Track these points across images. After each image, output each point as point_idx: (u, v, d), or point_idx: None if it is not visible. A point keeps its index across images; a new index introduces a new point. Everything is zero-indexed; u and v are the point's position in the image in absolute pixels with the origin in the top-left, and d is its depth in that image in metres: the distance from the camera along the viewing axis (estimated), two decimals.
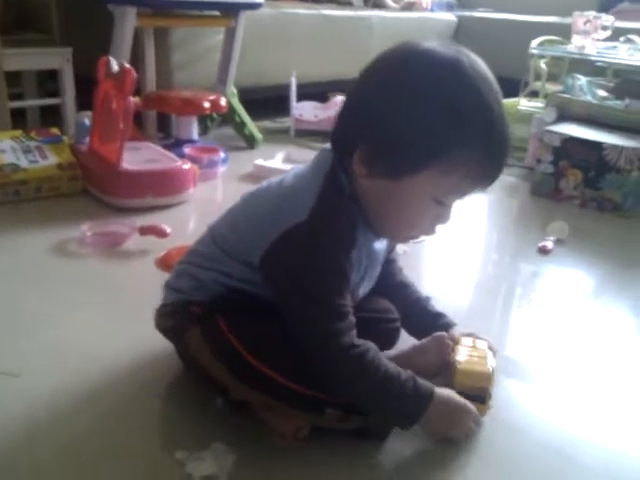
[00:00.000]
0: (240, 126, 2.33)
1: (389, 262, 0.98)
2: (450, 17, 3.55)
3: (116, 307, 1.15)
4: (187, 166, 1.70)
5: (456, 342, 0.91)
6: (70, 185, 1.70)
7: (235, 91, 2.29)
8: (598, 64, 2.41)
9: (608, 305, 1.31)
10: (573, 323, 1.22)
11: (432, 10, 3.63)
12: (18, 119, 2.16)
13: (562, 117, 2.02)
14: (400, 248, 1.48)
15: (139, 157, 1.71)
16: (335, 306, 0.75)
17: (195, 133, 2.13)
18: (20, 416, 0.84)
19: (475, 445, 0.83)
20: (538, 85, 2.57)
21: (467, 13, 3.65)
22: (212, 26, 2.26)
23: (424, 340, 0.94)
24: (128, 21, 1.85)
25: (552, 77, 2.59)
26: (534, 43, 2.44)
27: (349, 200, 0.77)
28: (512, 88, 2.64)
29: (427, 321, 0.97)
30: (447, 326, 0.96)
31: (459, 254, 1.54)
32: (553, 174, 1.91)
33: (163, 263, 1.28)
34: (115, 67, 1.61)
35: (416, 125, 0.70)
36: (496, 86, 0.72)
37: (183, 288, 0.86)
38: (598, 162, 1.81)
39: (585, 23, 2.14)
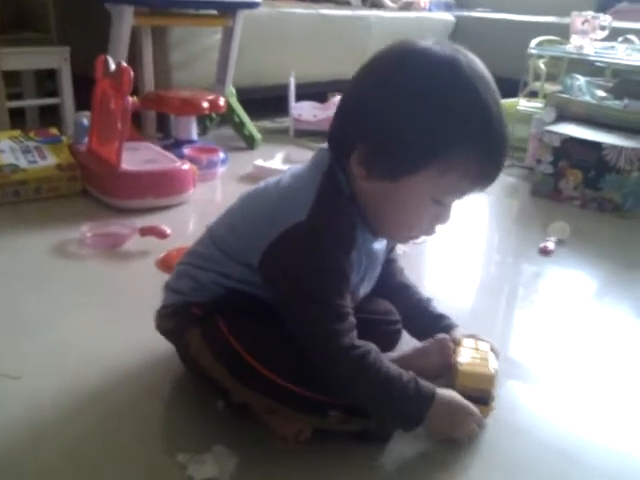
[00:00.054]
0: (239, 126, 2.32)
1: (389, 262, 0.98)
2: (448, 17, 3.55)
3: (116, 308, 1.15)
4: (186, 167, 1.70)
5: (458, 344, 0.91)
6: (69, 186, 1.69)
7: (234, 91, 2.29)
8: (597, 64, 2.41)
9: (610, 306, 1.31)
10: (576, 324, 1.22)
11: (430, 10, 3.63)
12: (17, 119, 2.16)
13: (561, 117, 2.02)
14: (400, 249, 1.48)
15: (138, 157, 1.71)
16: (335, 307, 0.74)
17: (194, 133, 2.12)
18: (20, 418, 0.83)
19: (478, 446, 0.83)
20: (537, 85, 2.57)
21: (465, 13, 3.66)
22: (210, 25, 2.25)
23: (426, 342, 0.94)
24: (125, 20, 1.85)
25: (551, 77, 2.60)
26: (533, 43, 2.44)
27: (348, 200, 0.77)
28: (511, 88, 2.64)
29: (429, 323, 0.97)
30: (449, 328, 0.95)
31: (460, 255, 1.54)
32: (553, 174, 1.91)
33: (163, 264, 1.28)
34: (112, 66, 1.60)
35: (414, 124, 0.69)
36: (493, 85, 0.72)
37: (183, 289, 0.85)
38: (598, 162, 1.81)
39: (583, 23, 2.14)
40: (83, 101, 1.85)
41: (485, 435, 0.85)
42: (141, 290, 1.20)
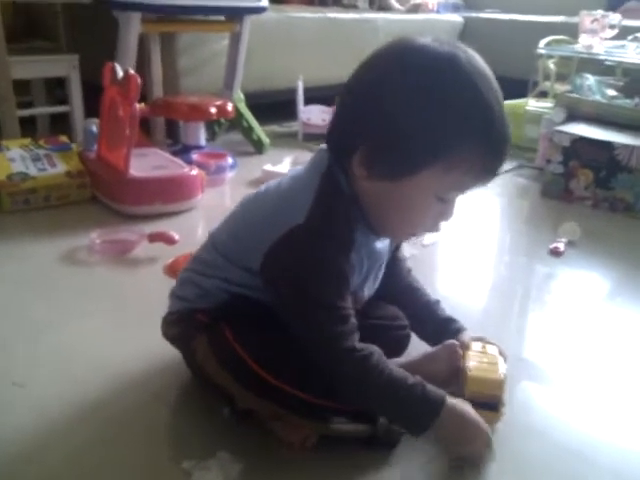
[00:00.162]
0: (248, 131, 2.33)
1: (396, 262, 0.97)
2: (456, 18, 3.54)
3: (124, 315, 1.15)
4: (195, 172, 1.70)
5: (466, 347, 0.90)
6: (79, 193, 1.70)
7: (242, 96, 2.29)
8: (607, 63, 2.39)
9: (623, 307, 1.30)
10: (588, 325, 1.21)
11: (438, 12, 3.62)
12: (28, 127, 2.18)
13: (571, 117, 2.00)
14: (408, 252, 1.48)
15: (147, 164, 1.71)
16: (335, 309, 0.74)
17: (203, 139, 2.13)
18: (27, 424, 0.84)
19: (493, 448, 0.82)
20: (547, 85, 2.56)
21: (473, 14, 3.64)
22: (217, 31, 2.26)
23: (435, 348, 0.93)
24: (133, 27, 1.86)
25: (561, 77, 2.58)
26: (542, 43, 2.42)
27: (348, 201, 0.76)
28: (520, 89, 2.62)
29: (437, 326, 0.96)
30: (457, 331, 0.94)
31: (470, 256, 1.53)
32: (563, 174, 1.89)
33: (171, 270, 1.27)
34: (120, 74, 1.61)
35: (416, 122, 0.69)
36: (494, 80, 0.71)
37: (188, 296, 0.85)
38: (609, 162, 1.79)
39: (592, 22, 2.13)
40: (93, 108, 1.86)
41: (499, 436, 0.84)
42: (149, 296, 1.20)
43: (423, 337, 0.98)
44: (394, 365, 0.77)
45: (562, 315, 1.24)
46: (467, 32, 3.51)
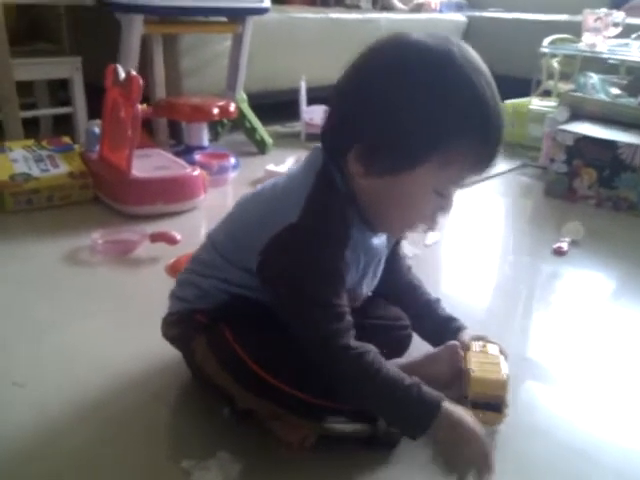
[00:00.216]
0: (251, 131, 2.33)
1: (396, 259, 0.97)
2: (460, 18, 3.53)
3: (126, 315, 1.15)
4: (197, 173, 1.70)
5: (467, 347, 0.89)
6: (81, 193, 1.71)
7: (245, 96, 2.29)
8: (611, 62, 2.38)
9: (626, 307, 1.29)
10: (592, 325, 1.20)
11: (441, 11, 3.61)
12: (32, 128, 2.19)
13: (575, 116, 1.99)
14: (411, 251, 1.47)
15: (149, 164, 1.72)
16: (331, 307, 0.73)
17: (205, 139, 2.13)
18: (27, 423, 0.84)
19: (497, 447, 0.82)
20: (551, 84, 2.55)
21: (477, 13, 3.63)
22: (219, 32, 2.26)
23: (436, 349, 0.92)
24: (135, 28, 1.86)
25: (565, 76, 2.57)
26: (545, 42, 2.41)
27: (344, 199, 0.76)
28: (524, 87, 2.62)
29: (437, 325, 0.96)
30: (458, 330, 0.94)
31: (473, 255, 1.53)
32: (567, 173, 1.88)
33: (173, 270, 1.28)
34: (122, 75, 1.62)
35: (413, 118, 0.68)
36: (487, 73, 0.71)
37: (188, 297, 0.85)
38: (613, 161, 1.78)
39: (595, 20, 2.12)
40: (96, 110, 1.87)
41: (503, 436, 0.84)
42: (151, 296, 1.19)
43: (423, 336, 0.98)
44: (393, 366, 0.76)
45: (565, 315, 1.24)
46: (471, 31, 3.50)
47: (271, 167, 1.99)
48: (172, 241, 1.40)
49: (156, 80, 2.17)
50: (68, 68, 2.12)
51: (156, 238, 1.41)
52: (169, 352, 0.91)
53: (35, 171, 1.67)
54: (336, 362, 0.74)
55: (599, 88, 2.14)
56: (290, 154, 2.16)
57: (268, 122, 2.48)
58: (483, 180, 2.09)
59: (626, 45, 2.27)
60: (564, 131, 1.88)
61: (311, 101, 2.48)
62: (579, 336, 1.16)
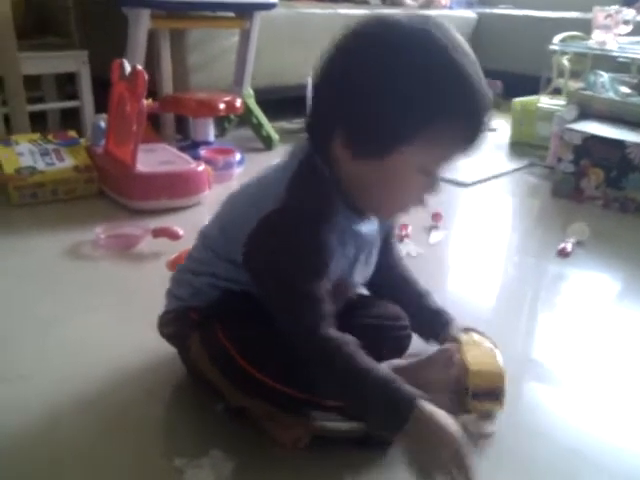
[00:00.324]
0: (257, 127, 2.32)
1: (389, 251, 0.96)
2: (470, 14, 3.50)
3: (129, 309, 1.15)
4: (201, 168, 1.70)
5: (459, 340, 0.90)
6: (86, 187, 1.71)
7: (252, 92, 2.29)
8: (621, 60, 2.35)
9: (630, 309, 1.28)
10: (595, 327, 1.19)
11: (451, 7, 3.59)
12: (39, 122, 2.19)
13: (584, 115, 1.97)
14: (414, 250, 1.47)
15: (154, 159, 1.72)
16: (308, 293, 0.73)
17: (211, 135, 2.13)
18: (21, 419, 0.84)
19: (498, 448, 0.82)
20: (561, 82, 2.53)
21: (487, 10, 3.60)
22: (227, 27, 2.25)
23: (431, 353, 0.91)
24: (142, 23, 1.86)
25: (576, 74, 2.54)
26: (556, 39, 2.39)
27: (327, 185, 0.76)
28: (533, 85, 2.60)
29: (428, 317, 0.95)
30: (447, 323, 0.93)
31: (478, 255, 1.51)
32: (574, 173, 1.86)
33: (174, 265, 1.27)
34: (128, 69, 1.62)
35: (397, 98, 0.68)
36: (470, 51, 0.71)
37: (182, 295, 0.86)
38: (621, 161, 1.76)
39: (606, 18, 2.09)
40: (103, 104, 1.87)
41: (505, 437, 0.84)
42: (153, 291, 1.19)
43: (414, 328, 0.98)
44: (367, 357, 0.74)
45: (569, 316, 1.23)
46: (481, 28, 3.48)
47: None
48: (174, 236, 1.40)
49: (163, 75, 2.17)
50: (75, 62, 2.12)
51: (158, 233, 1.41)
52: (168, 347, 0.91)
53: (40, 165, 1.67)
54: (311, 350, 0.73)
55: (609, 87, 2.11)
56: None
57: (275, 118, 2.47)
58: (490, 179, 2.08)
59: (638, 43, 2.24)
60: (572, 130, 1.86)
61: None
62: (583, 338, 1.15)
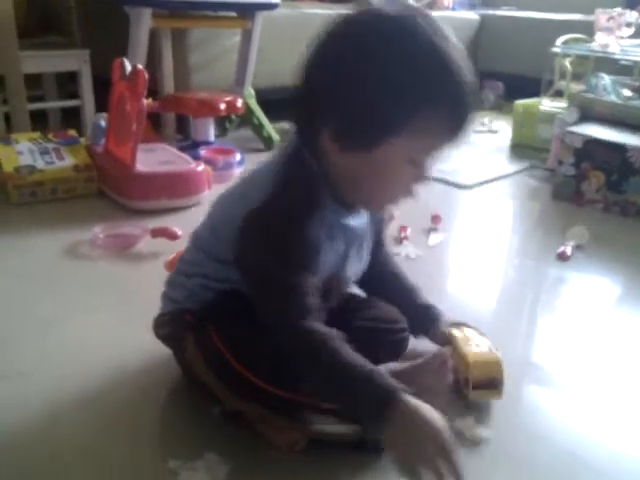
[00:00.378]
0: (258, 128, 2.32)
1: (379, 248, 0.97)
2: (472, 16, 3.50)
3: (127, 309, 1.15)
4: (201, 168, 1.70)
5: (451, 335, 0.93)
6: (86, 186, 1.71)
7: (253, 92, 2.29)
8: (624, 63, 2.35)
9: (629, 313, 1.27)
10: (595, 330, 1.19)
11: (454, 9, 3.58)
12: (41, 121, 2.19)
13: (585, 117, 1.96)
14: (413, 252, 1.46)
15: (154, 159, 1.72)
16: (294, 286, 0.73)
17: (212, 135, 2.13)
18: (20, 415, 0.85)
19: (497, 451, 0.82)
20: (563, 84, 2.52)
21: (490, 12, 3.60)
22: (228, 27, 2.25)
23: (425, 358, 0.90)
24: (143, 22, 1.86)
25: (578, 76, 2.54)
26: (559, 41, 2.39)
27: (316, 179, 0.76)
28: (535, 87, 2.59)
29: (418, 312, 0.98)
30: (436, 317, 0.97)
31: (478, 257, 1.51)
32: (575, 176, 1.86)
33: (172, 266, 1.27)
34: (129, 69, 1.61)
35: (384, 89, 0.68)
36: (454, 40, 0.71)
37: (177, 297, 0.86)
38: (622, 164, 1.75)
39: (608, 20, 2.08)
40: (104, 103, 1.87)
41: (505, 440, 0.84)
42: (152, 292, 1.19)
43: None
44: (351, 351, 0.73)
45: (569, 320, 1.22)
46: (483, 30, 3.47)
47: None
48: (173, 237, 1.40)
49: (164, 74, 2.17)
50: (76, 61, 2.12)
51: (157, 233, 1.41)
52: (165, 348, 0.91)
53: (40, 163, 1.67)
54: (301, 345, 0.72)
55: (610, 89, 2.11)
56: None
57: (276, 118, 2.47)
58: (491, 181, 2.08)
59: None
60: (573, 133, 1.86)
61: None
62: (582, 341, 1.14)
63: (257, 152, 2.28)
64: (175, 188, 1.64)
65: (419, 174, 0.76)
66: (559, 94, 2.54)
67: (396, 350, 0.95)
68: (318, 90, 0.73)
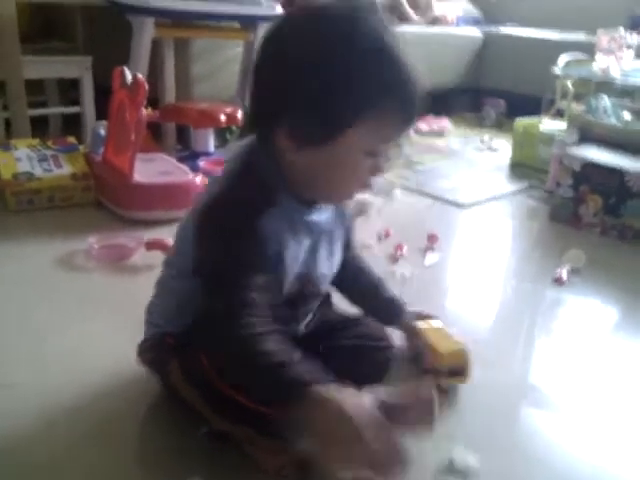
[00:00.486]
0: None
1: (348, 245, 0.97)
2: (476, 33, 3.51)
3: (122, 320, 1.13)
4: (198, 180, 1.69)
5: (419, 327, 1.02)
6: (83, 195, 1.71)
7: None
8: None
9: (624, 339, 1.27)
10: (592, 355, 1.19)
11: (458, 25, 3.60)
12: (42, 127, 2.19)
13: (584, 138, 1.97)
14: (408, 271, 1.46)
15: (152, 169, 1.71)
16: (239, 287, 0.72)
17: (211, 145, 2.13)
18: (28, 417, 0.86)
19: (494, 473, 0.82)
20: (564, 104, 2.53)
21: (493, 30, 3.61)
22: (231, 39, 2.25)
23: (410, 400, 0.80)
24: (146, 31, 1.86)
25: (580, 96, 2.54)
26: (561, 61, 2.39)
27: (270, 178, 0.76)
28: (537, 105, 2.60)
29: (384, 305, 1.03)
30: (401, 308, 1.04)
31: (473, 278, 1.51)
32: (573, 199, 1.86)
33: None
34: (129, 77, 1.61)
35: (336, 85, 0.69)
36: (395, 34, 0.73)
37: (158, 322, 0.87)
38: (619, 188, 1.75)
39: (609, 41, 2.09)
40: (107, 111, 1.87)
41: (502, 462, 0.84)
42: (146, 303, 1.19)
43: (372, 315, 1.03)
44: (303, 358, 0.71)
45: (565, 343, 1.22)
46: (486, 48, 3.49)
47: None
48: (167, 249, 1.39)
49: (166, 84, 2.17)
50: (78, 68, 2.12)
51: (152, 246, 1.40)
52: None
53: (38, 171, 1.67)
54: (232, 343, 0.70)
55: (611, 112, 2.11)
56: None
57: None
58: (489, 200, 2.07)
59: None
60: (572, 155, 1.86)
61: None
62: (579, 365, 1.15)
63: None
64: (172, 199, 1.63)
65: (375, 165, 0.77)
66: (560, 114, 2.55)
67: (383, 368, 0.96)
68: (270, 90, 0.73)
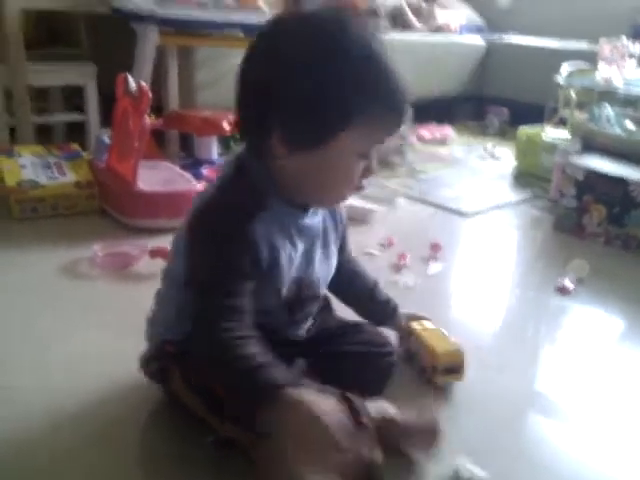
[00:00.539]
0: None
1: (342, 249, 0.97)
2: (479, 42, 3.52)
3: (126, 327, 1.12)
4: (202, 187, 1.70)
5: (414, 328, 1.05)
6: (87, 204, 1.71)
7: None
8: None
9: (630, 348, 1.27)
10: (596, 363, 1.19)
11: (461, 33, 3.60)
12: (47, 134, 2.20)
13: (587, 147, 1.96)
14: (412, 280, 1.46)
15: (155, 177, 1.71)
16: (227, 292, 0.73)
17: (215, 153, 2.13)
18: (17, 427, 0.86)
19: None
20: (567, 113, 2.53)
21: (496, 39, 3.62)
22: (234, 47, 2.26)
23: (413, 424, 0.83)
24: (150, 39, 1.87)
25: (582, 104, 2.54)
26: (564, 70, 2.40)
27: (262, 184, 0.77)
28: (540, 114, 2.60)
29: (378, 308, 1.06)
30: (394, 311, 1.06)
31: (477, 287, 1.50)
32: (576, 209, 1.85)
33: None
34: (133, 85, 1.62)
35: (327, 90, 0.71)
36: (380, 38, 0.75)
37: (158, 331, 0.88)
38: (623, 198, 1.75)
39: (611, 50, 2.09)
40: (110, 118, 1.87)
41: (508, 470, 0.84)
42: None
43: (365, 317, 1.05)
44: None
45: (569, 352, 1.22)
46: (489, 56, 3.50)
47: None
48: None
49: (170, 92, 2.18)
50: (82, 75, 2.13)
51: (155, 253, 1.40)
52: None
53: (42, 179, 1.67)
54: (213, 345, 0.72)
55: (614, 121, 2.11)
56: None
57: None
58: (492, 209, 2.07)
59: None
60: (575, 165, 1.86)
61: None
62: (584, 373, 1.15)
63: None
64: (176, 207, 1.63)
65: (367, 167, 0.78)
66: (563, 122, 2.55)
67: (384, 375, 0.96)
68: (261, 96, 0.73)
